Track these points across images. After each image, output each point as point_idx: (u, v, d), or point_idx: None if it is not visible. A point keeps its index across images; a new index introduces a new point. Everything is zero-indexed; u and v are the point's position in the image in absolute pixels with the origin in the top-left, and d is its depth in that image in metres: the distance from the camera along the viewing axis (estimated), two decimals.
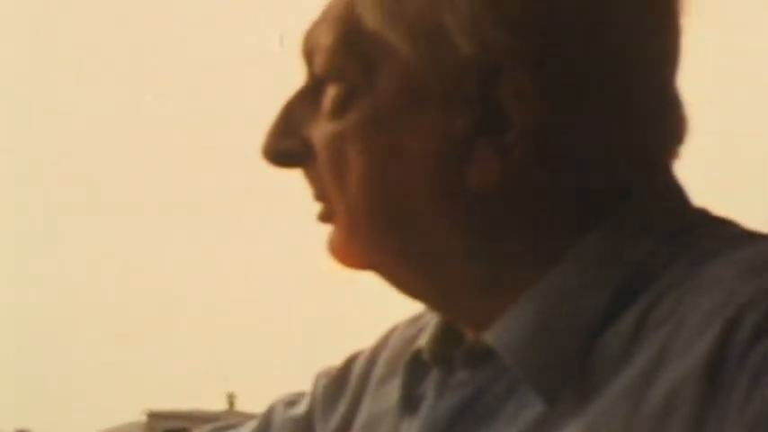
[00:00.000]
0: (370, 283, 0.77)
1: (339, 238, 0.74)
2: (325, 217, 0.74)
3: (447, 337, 0.76)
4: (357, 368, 0.86)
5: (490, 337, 0.71)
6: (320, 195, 0.74)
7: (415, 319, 0.84)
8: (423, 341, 0.77)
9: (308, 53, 0.74)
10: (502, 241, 0.71)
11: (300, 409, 0.88)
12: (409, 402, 0.77)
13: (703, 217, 0.73)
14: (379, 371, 0.84)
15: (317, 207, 0.75)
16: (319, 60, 0.72)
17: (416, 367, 0.77)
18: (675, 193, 0.74)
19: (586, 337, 0.69)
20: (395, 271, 0.74)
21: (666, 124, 0.72)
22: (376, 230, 0.73)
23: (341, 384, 0.86)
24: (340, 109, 0.72)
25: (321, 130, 0.72)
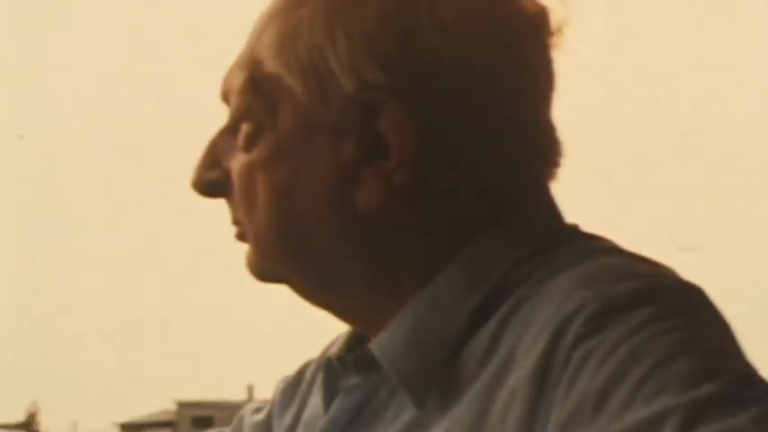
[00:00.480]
0: None
1: (251, 256, 0.80)
2: (239, 237, 0.81)
3: (359, 343, 0.81)
4: (308, 372, 0.91)
5: (374, 346, 0.76)
6: (235, 220, 0.81)
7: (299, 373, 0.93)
8: (332, 353, 0.84)
9: (225, 95, 0.81)
10: (387, 261, 0.77)
11: (261, 415, 0.95)
12: (328, 401, 0.82)
13: (569, 234, 0.78)
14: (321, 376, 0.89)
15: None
16: (233, 101, 0.79)
17: (332, 369, 0.83)
18: (545, 213, 0.79)
19: (453, 344, 0.74)
20: (300, 286, 0.81)
21: (538, 151, 0.77)
22: (281, 251, 0.79)
23: (294, 387, 0.91)
24: (249, 143, 0.78)
25: (236, 163, 0.79)
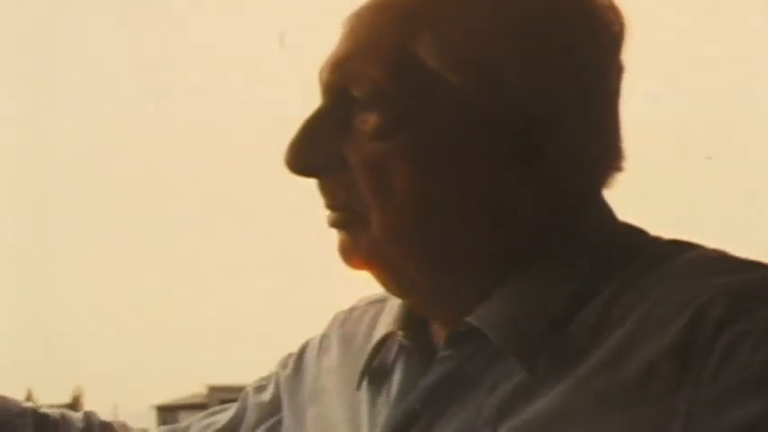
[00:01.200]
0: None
1: (363, 240, 0.82)
2: (342, 223, 0.84)
3: (410, 325, 0.88)
4: (310, 356, 0.99)
5: (474, 319, 0.81)
6: (340, 204, 0.83)
7: (353, 312, 0.99)
8: (386, 329, 0.89)
9: (342, 78, 0.82)
10: (503, 247, 0.83)
11: (267, 395, 1.02)
12: (377, 378, 0.89)
13: (629, 227, 0.86)
14: (330, 356, 0.97)
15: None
16: (362, 88, 0.81)
17: (381, 349, 0.90)
18: (609, 212, 0.86)
19: (556, 320, 0.80)
20: (407, 269, 0.83)
21: (616, 154, 0.84)
22: (413, 235, 0.81)
23: (298, 372, 0.99)
24: (384, 132, 0.80)
25: (362, 149, 0.81)
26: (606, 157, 0.85)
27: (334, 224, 0.84)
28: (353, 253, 0.84)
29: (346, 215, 0.84)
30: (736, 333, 0.74)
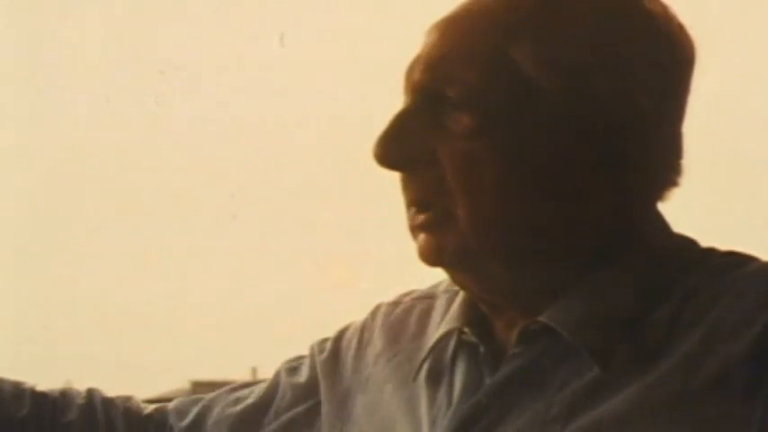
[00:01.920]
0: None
1: (451, 240, 0.84)
2: (430, 225, 0.85)
3: (475, 323, 0.89)
4: (349, 345, 1.01)
5: (547, 318, 0.84)
6: (427, 201, 0.85)
7: (397, 306, 1.01)
8: (448, 326, 0.91)
9: (435, 79, 0.85)
10: (573, 249, 0.85)
11: (302, 377, 1.03)
12: (437, 373, 0.91)
13: (684, 237, 0.89)
14: (375, 348, 0.99)
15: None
16: (457, 88, 0.84)
17: (444, 347, 0.91)
18: (665, 222, 0.89)
19: (626, 321, 0.83)
20: (490, 266, 0.85)
21: (674, 177, 0.88)
22: (500, 230, 0.84)
23: (336, 359, 1.00)
24: (477, 132, 0.83)
25: (454, 147, 0.84)
26: (672, 171, 0.88)
27: (423, 226, 0.86)
28: (440, 255, 0.86)
29: (434, 217, 0.85)
30: None
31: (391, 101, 0.88)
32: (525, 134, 0.84)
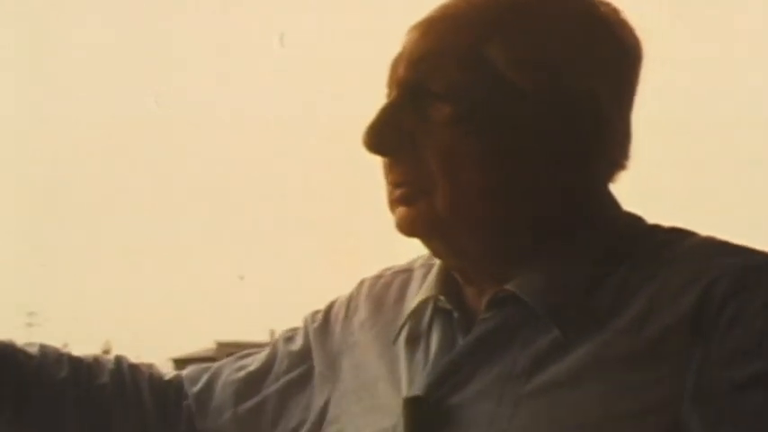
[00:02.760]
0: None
1: (426, 213, 0.87)
2: (407, 199, 0.89)
3: (448, 292, 0.93)
4: (337, 315, 1.04)
5: (513, 287, 0.88)
6: (406, 181, 0.89)
7: (380, 279, 1.04)
8: (425, 294, 0.95)
9: (418, 74, 0.89)
10: (538, 225, 0.89)
11: (297, 345, 1.06)
12: (414, 336, 0.94)
13: (632, 215, 0.93)
14: (359, 317, 1.02)
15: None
16: (438, 83, 0.88)
17: (422, 313, 0.95)
18: (616, 202, 0.93)
19: (584, 288, 0.86)
20: (462, 238, 0.89)
21: (623, 161, 0.92)
22: (474, 207, 0.87)
23: (326, 327, 1.04)
24: (456, 121, 0.87)
25: (436, 134, 0.87)
26: (623, 156, 0.92)
27: (400, 199, 0.89)
28: (415, 224, 0.89)
29: (411, 192, 0.89)
30: (739, 306, 0.81)
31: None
32: (498, 122, 0.87)
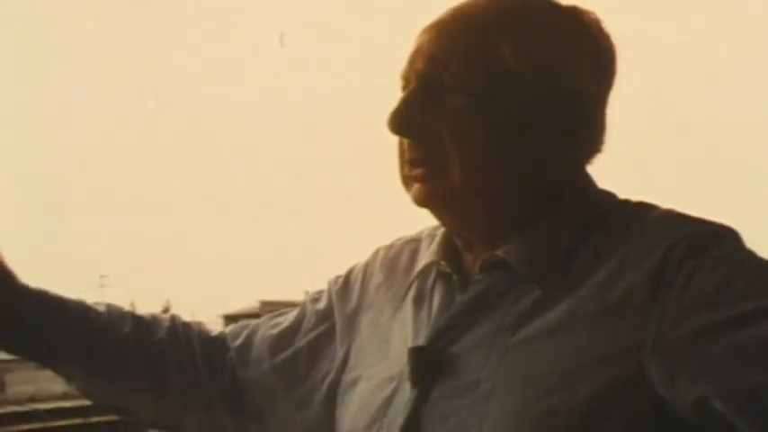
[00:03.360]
0: None
1: (441, 188, 0.87)
2: (424, 176, 0.88)
3: (449, 257, 0.93)
4: (356, 278, 1.03)
5: (503, 253, 0.88)
6: (424, 159, 0.88)
7: (393, 248, 1.03)
8: (429, 260, 0.95)
9: (435, 68, 0.88)
10: (532, 199, 0.89)
11: (321, 304, 1.05)
12: (420, 295, 0.94)
13: (605, 191, 0.92)
14: (375, 281, 1.01)
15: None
16: (453, 75, 0.87)
17: (426, 276, 0.94)
18: (592, 180, 0.92)
19: (563, 254, 0.87)
20: (471, 208, 0.89)
21: (600, 146, 0.92)
22: (483, 181, 0.87)
23: (346, 289, 1.03)
24: (470, 108, 0.86)
25: (451, 120, 0.87)
26: (600, 142, 0.92)
27: (418, 177, 0.89)
28: (430, 197, 0.89)
29: (428, 171, 0.88)
30: (692, 268, 0.81)
31: (389, 100, 0.90)
32: (505, 110, 0.87)
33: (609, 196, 0.92)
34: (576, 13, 0.91)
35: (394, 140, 0.92)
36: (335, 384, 0.99)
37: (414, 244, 1.01)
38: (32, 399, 12.37)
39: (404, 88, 0.91)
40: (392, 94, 0.91)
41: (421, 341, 0.90)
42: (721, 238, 0.84)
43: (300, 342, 1.04)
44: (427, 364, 0.88)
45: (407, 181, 0.91)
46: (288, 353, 1.04)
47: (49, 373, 1.11)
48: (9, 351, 1.06)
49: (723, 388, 0.77)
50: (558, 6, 0.92)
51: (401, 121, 0.89)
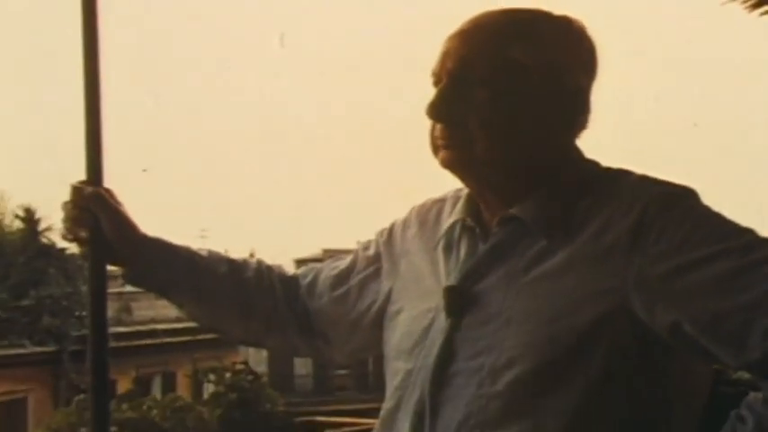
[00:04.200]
0: None
1: (467, 157, 0.87)
2: (451, 145, 0.87)
3: (472, 215, 0.91)
4: (397, 231, 1.01)
5: (516, 211, 0.87)
6: (454, 143, 0.87)
7: (424, 206, 1.00)
8: (456, 217, 0.93)
9: (462, 67, 0.88)
10: (539, 167, 0.88)
11: (371, 251, 1.03)
12: (449, 245, 0.93)
13: (592, 160, 0.91)
14: (411, 233, 0.99)
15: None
16: (477, 73, 0.87)
17: (453, 229, 0.93)
18: (581, 151, 0.91)
19: (562, 212, 0.86)
20: (490, 173, 0.88)
21: (587, 125, 0.91)
22: (503, 154, 0.86)
23: (390, 239, 1.02)
24: (492, 99, 0.86)
25: (479, 109, 0.86)
26: (587, 121, 0.91)
27: (445, 145, 0.88)
28: (455, 162, 0.88)
29: (455, 141, 0.87)
30: (666, 218, 0.81)
31: (389, 100, 0.91)
32: (518, 99, 0.87)
33: (595, 164, 0.91)
34: (568, 21, 0.91)
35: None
36: (381, 313, 0.99)
37: (440, 203, 1.00)
38: (152, 320, 12.66)
39: (435, 84, 0.90)
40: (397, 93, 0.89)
41: (452, 281, 0.90)
42: (685, 197, 0.84)
43: (353, 280, 1.04)
44: (458, 300, 0.88)
45: (436, 148, 0.90)
46: (343, 289, 1.04)
47: (165, 302, 1.13)
48: (134, 285, 1.08)
49: (691, 315, 0.79)
50: (554, 16, 0.91)
51: (438, 110, 0.88)
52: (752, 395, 0.78)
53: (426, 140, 0.91)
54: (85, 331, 1.11)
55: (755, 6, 2.85)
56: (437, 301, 0.90)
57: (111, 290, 1.15)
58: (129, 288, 1.25)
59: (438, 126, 0.89)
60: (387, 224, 1.05)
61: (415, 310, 0.93)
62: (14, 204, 12.95)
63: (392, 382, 0.92)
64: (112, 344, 1.59)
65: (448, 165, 0.89)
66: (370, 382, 14.41)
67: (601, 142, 0.96)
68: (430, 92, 0.90)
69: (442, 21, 1.00)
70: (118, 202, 1.04)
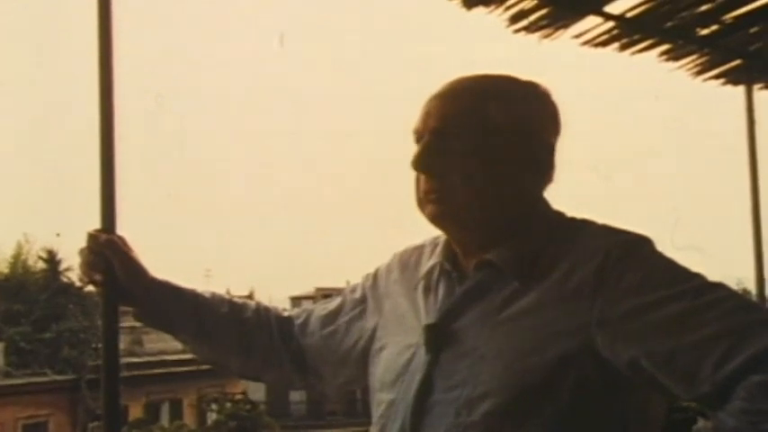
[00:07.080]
0: None
1: (449, 209, 0.86)
2: (438, 201, 0.87)
3: (450, 260, 0.90)
4: (381, 275, 1.00)
5: (491, 256, 0.86)
6: (437, 189, 0.87)
7: (405, 252, 0.99)
8: (434, 261, 0.92)
9: (443, 125, 0.87)
10: (509, 218, 0.87)
11: (357, 294, 1.02)
12: (428, 287, 0.91)
13: (557, 210, 0.90)
14: (393, 276, 0.98)
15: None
16: (456, 130, 0.86)
17: (432, 273, 0.91)
18: (548, 203, 0.91)
19: (533, 257, 0.85)
20: (470, 223, 0.87)
21: (552, 178, 0.90)
22: (481, 204, 0.86)
23: (375, 283, 1.00)
24: (468, 153, 0.85)
25: (457, 162, 0.86)
26: (553, 175, 0.90)
27: (432, 200, 0.87)
28: (441, 215, 0.87)
29: (440, 196, 0.87)
30: (626, 264, 0.80)
31: (389, 101, 0.89)
32: (493, 155, 0.86)
33: (560, 214, 0.91)
34: (535, 85, 0.91)
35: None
36: (366, 349, 0.98)
37: (419, 249, 0.99)
38: (162, 352, 12.49)
39: (417, 141, 0.90)
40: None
41: (432, 319, 0.89)
42: (642, 245, 0.83)
43: (341, 320, 1.03)
44: (437, 336, 0.87)
45: (423, 203, 0.89)
46: (332, 327, 1.03)
47: None
48: (143, 323, 1.07)
49: (647, 351, 0.78)
50: (523, 80, 0.92)
51: (424, 162, 0.88)
52: (701, 424, 0.78)
53: (407, 189, 0.90)
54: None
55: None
56: (417, 337, 0.89)
57: (124, 324, 1.13)
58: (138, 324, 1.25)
59: (423, 181, 0.89)
60: (372, 268, 1.04)
61: (397, 346, 0.92)
62: (38, 247, 12.92)
63: (377, 412, 0.90)
64: (124, 373, 1.56)
65: (435, 217, 0.88)
66: (358, 407, 14.31)
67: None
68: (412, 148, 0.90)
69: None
70: (130, 249, 1.04)
